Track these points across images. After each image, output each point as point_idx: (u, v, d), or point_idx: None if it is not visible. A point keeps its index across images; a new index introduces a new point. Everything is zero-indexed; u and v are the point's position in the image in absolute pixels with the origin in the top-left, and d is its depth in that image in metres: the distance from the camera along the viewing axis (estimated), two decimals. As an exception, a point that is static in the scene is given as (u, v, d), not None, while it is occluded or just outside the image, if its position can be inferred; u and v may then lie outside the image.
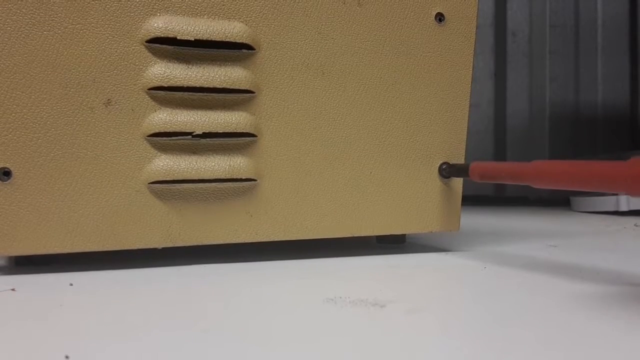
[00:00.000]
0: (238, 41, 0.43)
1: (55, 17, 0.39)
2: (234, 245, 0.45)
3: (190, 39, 0.41)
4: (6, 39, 0.38)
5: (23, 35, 0.38)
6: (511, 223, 0.80)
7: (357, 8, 0.46)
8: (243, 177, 0.43)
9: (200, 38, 0.42)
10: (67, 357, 0.22)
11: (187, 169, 0.42)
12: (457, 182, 0.50)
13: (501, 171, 0.42)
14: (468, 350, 0.24)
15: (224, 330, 0.26)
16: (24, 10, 0.38)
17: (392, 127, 0.47)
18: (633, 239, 0.62)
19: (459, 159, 0.50)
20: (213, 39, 0.42)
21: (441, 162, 0.49)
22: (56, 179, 0.40)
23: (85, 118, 0.40)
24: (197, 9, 0.42)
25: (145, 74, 0.41)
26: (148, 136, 0.41)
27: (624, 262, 0.46)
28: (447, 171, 0.49)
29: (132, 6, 0.40)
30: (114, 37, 0.40)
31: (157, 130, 0.41)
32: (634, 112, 1.32)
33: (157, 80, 0.41)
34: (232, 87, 0.43)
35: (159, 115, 0.41)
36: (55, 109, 0.39)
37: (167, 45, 0.41)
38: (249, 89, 0.43)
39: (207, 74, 0.42)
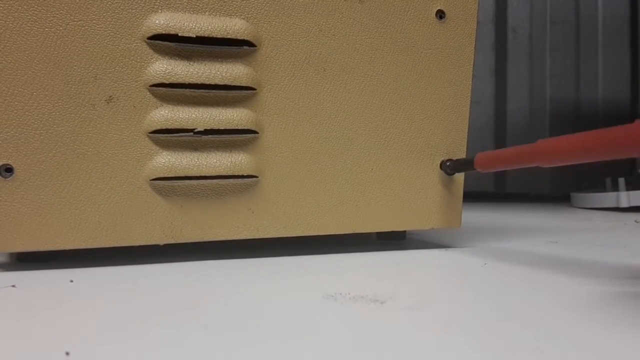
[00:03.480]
0: (239, 38, 0.43)
1: (57, 14, 0.39)
2: (235, 242, 0.45)
3: (192, 35, 0.41)
4: (8, 36, 0.38)
5: (24, 32, 0.38)
6: (512, 219, 0.80)
7: (358, 5, 0.46)
8: (244, 174, 0.43)
9: (202, 35, 0.42)
10: (67, 353, 0.22)
11: (189, 165, 0.42)
12: (459, 178, 0.50)
13: (508, 155, 0.41)
14: (468, 347, 0.24)
15: (224, 327, 0.26)
16: (25, 7, 0.38)
17: (393, 124, 0.48)
18: (633, 235, 0.62)
19: (460, 156, 0.50)
20: (214, 36, 0.42)
21: (442, 158, 0.49)
22: (58, 176, 0.40)
23: (87, 115, 0.40)
24: (198, 5, 0.42)
25: (146, 71, 0.41)
26: (150, 133, 0.41)
27: (624, 258, 0.46)
28: (452, 167, 0.49)
29: (134, 3, 0.40)
30: (115, 33, 0.40)
31: (158, 127, 0.41)
32: (634, 109, 1.32)
33: (158, 77, 0.41)
34: (233, 84, 0.43)
35: (161, 112, 0.42)
36: (57, 105, 0.39)
37: (168, 42, 0.41)
38: (250, 85, 0.43)
39: (209, 70, 0.42)
